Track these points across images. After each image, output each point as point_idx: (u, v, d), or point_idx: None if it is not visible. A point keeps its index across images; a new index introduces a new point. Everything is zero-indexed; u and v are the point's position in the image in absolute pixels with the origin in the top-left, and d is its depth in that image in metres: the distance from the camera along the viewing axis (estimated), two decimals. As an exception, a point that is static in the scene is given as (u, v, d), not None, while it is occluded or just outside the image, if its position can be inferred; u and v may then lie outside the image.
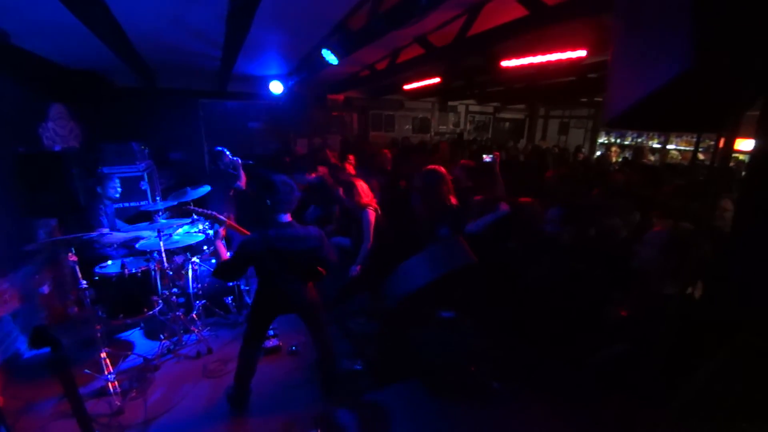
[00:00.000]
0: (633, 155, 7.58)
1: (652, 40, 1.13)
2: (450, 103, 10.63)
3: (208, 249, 4.09)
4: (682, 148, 7.95)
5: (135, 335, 3.62)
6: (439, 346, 2.89)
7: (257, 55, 4.60)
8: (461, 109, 11.24)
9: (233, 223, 2.67)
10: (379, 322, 3.40)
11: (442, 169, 3.21)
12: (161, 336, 3.39)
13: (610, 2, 1.36)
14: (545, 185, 3.70)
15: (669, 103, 1.14)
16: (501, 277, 2.85)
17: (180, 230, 3.87)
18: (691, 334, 1.65)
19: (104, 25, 2.81)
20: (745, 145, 5.37)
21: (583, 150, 8.86)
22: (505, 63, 4.02)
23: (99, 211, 3.67)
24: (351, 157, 5.36)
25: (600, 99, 7.87)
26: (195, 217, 3.73)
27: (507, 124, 12.13)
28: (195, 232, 3.90)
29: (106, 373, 2.78)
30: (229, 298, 3.95)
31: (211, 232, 4.00)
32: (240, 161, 4.83)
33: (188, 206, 3.21)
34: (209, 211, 2.94)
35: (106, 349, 2.88)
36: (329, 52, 3.54)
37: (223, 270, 2.48)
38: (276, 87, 5.95)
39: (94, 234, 3.25)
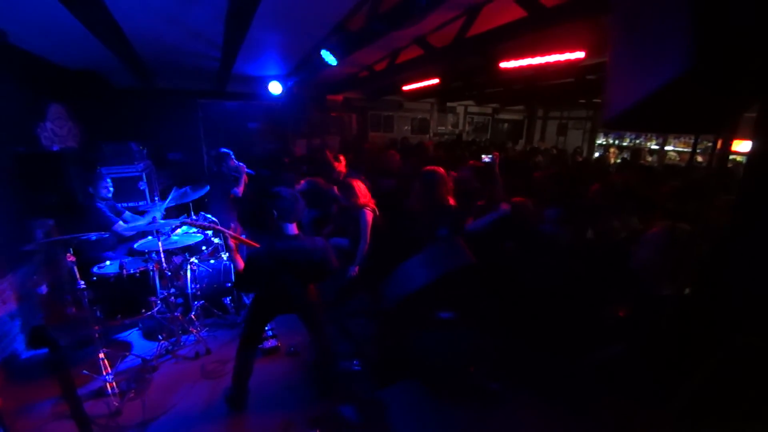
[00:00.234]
0: (631, 156, 7.61)
1: (650, 41, 1.14)
2: (449, 104, 10.65)
3: (206, 249, 4.09)
4: (680, 149, 7.98)
5: (133, 336, 3.61)
6: (437, 347, 2.89)
7: (256, 55, 4.60)
8: (460, 110, 11.25)
9: (237, 235, 2.65)
10: (378, 323, 3.40)
11: (441, 170, 3.22)
12: (159, 336, 3.38)
13: (608, 4, 1.37)
14: (534, 185, 3.71)
15: (667, 104, 1.14)
16: (499, 277, 2.85)
17: (179, 230, 3.87)
18: (689, 335, 1.66)
19: (103, 24, 2.81)
20: (742, 146, 5.41)
21: (579, 150, 8.88)
22: (503, 64, 4.03)
23: (103, 211, 3.66)
24: (342, 157, 5.35)
25: (598, 100, 7.89)
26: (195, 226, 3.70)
27: (506, 125, 12.15)
28: (193, 232, 3.89)
29: (104, 373, 2.77)
30: (228, 299, 3.95)
31: (209, 232, 4.00)
32: (245, 167, 4.71)
33: (189, 221, 3.19)
34: (209, 223, 2.92)
35: (105, 349, 2.87)
36: (328, 52, 3.54)
37: (240, 283, 2.52)
38: (275, 87, 5.95)
39: (93, 235, 3.25)
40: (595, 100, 8.47)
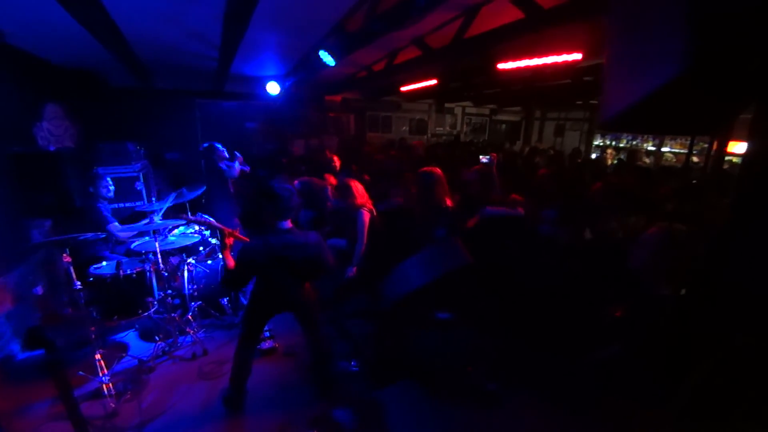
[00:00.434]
0: (628, 157, 7.64)
1: (646, 43, 1.15)
2: (447, 105, 10.67)
3: (203, 250, 4.08)
4: (676, 150, 8.02)
5: (130, 337, 3.59)
6: (435, 347, 2.90)
7: (254, 55, 4.60)
8: (458, 110, 11.28)
9: (233, 231, 2.65)
10: (376, 323, 3.40)
11: (438, 171, 3.22)
12: (156, 337, 3.37)
13: (604, 5, 1.37)
14: (535, 184, 3.73)
15: (663, 105, 1.15)
16: (498, 277, 2.86)
17: (176, 231, 3.86)
18: (687, 335, 1.67)
19: (100, 24, 2.80)
20: (738, 147, 5.43)
21: (578, 152, 8.90)
22: (501, 65, 4.05)
23: (101, 210, 3.65)
24: (336, 158, 5.36)
25: (595, 102, 7.92)
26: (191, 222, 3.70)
27: (503, 126, 12.18)
28: (191, 233, 3.88)
29: (100, 374, 2.76)
30: (225, 300, 3.94)
31: (207, 233, 3.99)
32: (239, 156, 4.68)
33: (185, 217, 3.19)
34: (207, 220, 2.92)
35: (101, 350, 2.86)
36: (326, 53, 3.54)
37: (229, 280, 2.50)
38: (273, 88, 5.94)
39: (90, 235, 3.23)
40: (592, 102, 8.50)
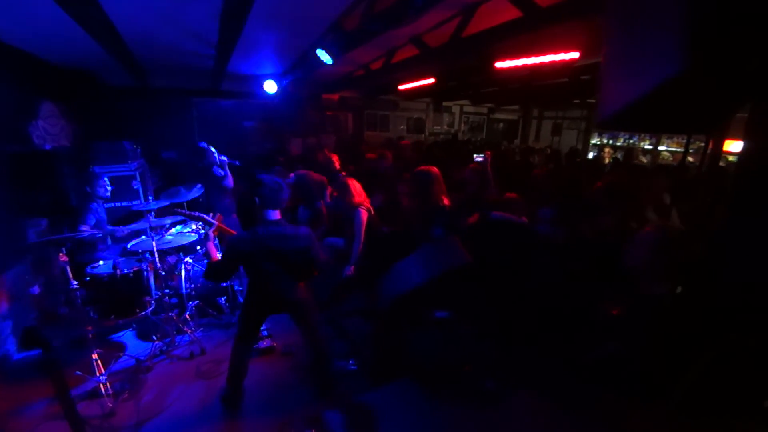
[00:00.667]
0: (624, 156, 7.66)
1: (644, 42, 1.15)
2: (444, 104, 10.67)
3: (201, 249, 4.07)
4: (673, 149, 8.04)
5: (127, 336, 3.58)
6: (433, 346, 2.90)
7: (251, 54, 4.58)
8: (456, 109, 11.28)
9: (222, 225, 2.65)
10: (374, 322, 3.40)
11: (435, 170, 3.23)
12: (154, 337, 3.36)
13: (602, 4, 1.38)
14: (532, 183, 3.73)
15: (660, 105, 1.15)
16: (495, 276, 2.86)
17: (173, 230, 3.84)
18: (682, 333, 1.68)
19: (96, 23, 2.79)
20: (734, 146, 5.46)
21: (576, 151, 8.93)
22: (499, 64, 4.05)
23: (86, 210, 3.62)
24: (335, 157, 5.36)
25: (593, 100, 7.94)
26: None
27: (501, 124, 12.19)
28: (188, 232, 3.87)
29: (97, 374, 2.75)
30: (223, 299, 3.93)
31: (203, 231, 3.97)
32: (227, 160, 4.62)
33: (175, 209, 3.17)
34: (196, 213, 2.92)
35: (98, 350, 2.85)
36: (324, 51, 3.53)
37: (213, 271, 2.47)
38: (270, 86, 5.92)
39: (86, 234, 3.22)
40: (589, 101, 8.52)
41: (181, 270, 3.61)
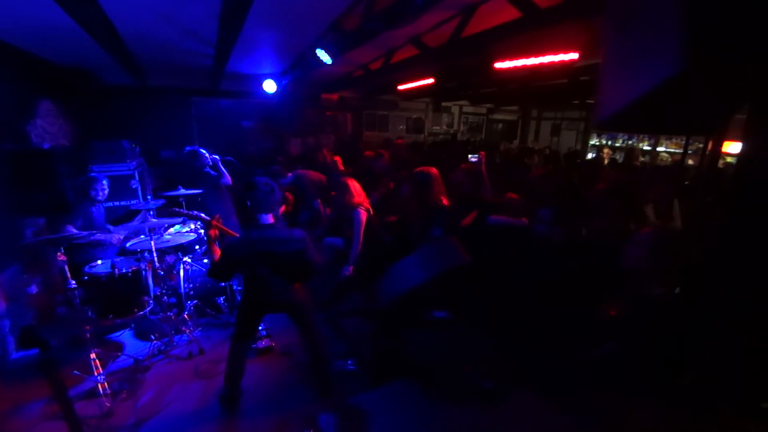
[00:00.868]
0: (624, 157, 7.67)
1: (642, 43, 1.15)
2: (444, 104, 10.67)
3: (199, 248, 4.06)
4: (672, 150, 8.06)
5: (125, 336, 3.58)
6: (432, 346, 2.90)
7: (250, 53, 4.58)
8: (455, 109, 11.28)
9: (219, 224, 2.64)
10: (373, 322, 3.40)
11: (434, 170, 3.23)
12: (152, 337, 3.35)
13: (601, 5, 1.38)
14: (531, 184, 3.74)
15: (658, 105, 1.16)
16: (493, 276, 2.87)
17: (171, 229, 3.84)
18: (680, 333, 1.68)
19: (95, 21, 2.78)
20: (733, 147, 5.48)
21: (575, 152, 8.94)
22: (498, 64, 4.05)
23: (79, 211, 3.61)
24: (338, 158, 5.36)
25: (592, 101, 7.95)
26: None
27: (500, 125, 12.20)
28: (186, 231, 3.86)
29: (95, 374, 2.74)
30: (221, 299, 3.93)
31: (202, 231, 3.96)
32: (219, 159, 4.55)
33: (173, 209, 3.16)
34: (194, 212, 2.91)
35: (96, 349, 2.84)
36: (323, 51, 3.53)
37: (213, 272, 2.48)
38: (269, 86, 5.92)
39: (83, 234, 3.21)
40: (588, 101, 8.53)
41: (179, 270, 3.60)
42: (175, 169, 6.04)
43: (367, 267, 3.25)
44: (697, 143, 6.89)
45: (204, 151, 4.45)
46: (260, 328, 3.29)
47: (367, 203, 3.43)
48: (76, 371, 2.83)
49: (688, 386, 1.58)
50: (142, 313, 3.16)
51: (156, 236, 3.43)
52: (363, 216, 3.32)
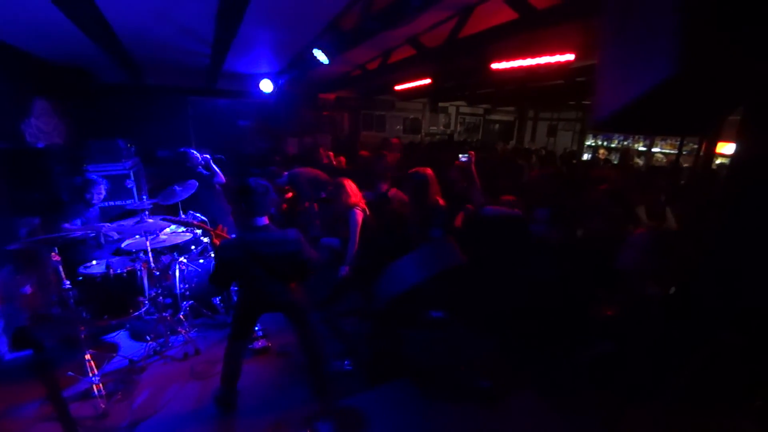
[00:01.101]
0: (620, 157, 7.72)
1: (638, 45, 1.16)
2: (440, 104, 10.68)
3: (195, 249, 4.04)
4: (666, 151, 8.11)
5: (120, 336, 3.55)
6: (429, 346, 2.91)
7: (247, 52, 4.57)
8: (452, 110, 11.30)
9: (223, 234, 2.64)
10: (370, 322, 3.40)
11: (429, 171, 3.23)
12: (147, 337, 3.33)
13: (597, 7, 1.39)
14: (529, 183, 3.75)
15: (654, 106, 1.16)
16: (490, 276, 2.87)
17: (167, 229, 3.81)
18: (675, 333, 1.69)
19: (90, 20, 2.76)
20: (727, 148, 5.52)
21: (571, 153, 8.98)
22: (495, 65, 4.07)
23: (74, 211, 3.58)
24: (342, 159, 5.38)
25: (588, 102, 7.99)
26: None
27: (497, 125, 12.24)
28: (182, 231, 3.84)
29: (90, 375, 2.72)
30: (217, 299, 3.91)
31: (199, 231, 3.95)
32: (210, 157, 4.50)
33: (166, 217, 3.14)
34: (183, 219, 2.88)
35: (91, 350, 2.82)
36: (320, 51, 3.53)
37: (212, 278, 2.49)
38: (266, 85, 5.91)
39: (78, 233, 3.19)
40: (584, 102, 8.57)
41: (175, 270, 3.58)
42: (171, 169, 6.02)
43: (364, 267, 3.25)
44: (691, 144, 6.95)
45: (195, 152, 4.42)
46: (257, 328, 3.28)
47: (363, 203, 3.43)
48: (70, 372, 2.80)
49: (683, 385, 1.59)
50: (137, 313, 3.13)
51: (151, 236, 3.41)
52: (359, 216, 3.32)
